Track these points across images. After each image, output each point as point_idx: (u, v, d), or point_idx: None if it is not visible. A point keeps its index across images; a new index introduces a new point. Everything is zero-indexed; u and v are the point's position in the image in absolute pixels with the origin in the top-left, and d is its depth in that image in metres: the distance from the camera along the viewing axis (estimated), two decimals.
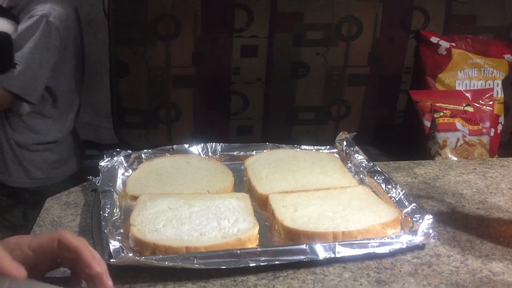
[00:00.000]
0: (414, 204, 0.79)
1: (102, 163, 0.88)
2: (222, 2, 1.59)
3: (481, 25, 1.75)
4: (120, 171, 0.88)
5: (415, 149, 1.66)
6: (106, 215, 0.72)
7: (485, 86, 1.71)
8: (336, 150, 1.02)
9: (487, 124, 1.62)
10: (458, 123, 1.55)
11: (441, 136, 1.55)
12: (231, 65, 1.64)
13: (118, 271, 0.63)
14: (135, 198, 0.80)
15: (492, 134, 1.65)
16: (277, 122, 1.74)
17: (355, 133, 1.02)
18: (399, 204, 0.80)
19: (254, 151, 0.99)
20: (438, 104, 1.62)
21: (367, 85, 1.75)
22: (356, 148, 1.00)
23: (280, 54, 1.66)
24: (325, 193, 0.84)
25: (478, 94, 1.66)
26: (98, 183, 0.82)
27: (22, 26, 1.42)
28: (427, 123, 1.61)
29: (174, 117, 1.67)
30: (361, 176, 0.93)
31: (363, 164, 0.94)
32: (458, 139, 1.53)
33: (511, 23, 1.76)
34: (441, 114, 1.58)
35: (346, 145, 1.01)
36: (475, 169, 1.01)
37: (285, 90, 1.71)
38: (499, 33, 1.76)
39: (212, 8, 1.58)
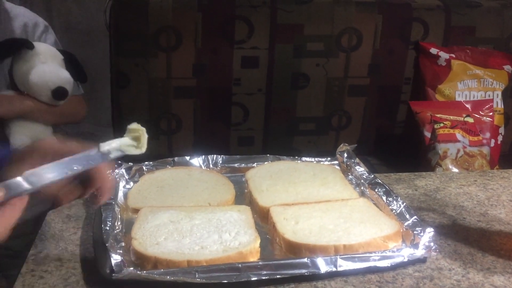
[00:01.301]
0: (415, 216, 0.79)
1: None
2: (222, 14, 1.60)
3: (480, 36, 1.75)
4: (122, 184, 0.89)
5: (416, 160, 1.66)
6: (108, 228, 0.72)
7: (485, 97, 1.71)
8: (337, 162, 1.02)
9: (487, 135, 1.62)
10: (458, 134, 1.55)
11: (441, 147, 1.55)
12: (231, 76, 1.65)
13: (119, 285, 0.63)
14: (136, 211, 0.81)
15: (492, 144, 1.65)
16: (278, 132, 1.75)
17: (356, 145, 1.02)
18: (400, 217, 0.81)
19: (255, 163, 0.99)
20: (438, 115, 1.62)
21: (367, 96, 1.75)
22: (357, 160, 1.00)
23: (281, 65, 1.66)
24: (326, 205, 0.84)
25: (478, 105, 1.66)
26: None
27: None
28: (428, 134, 1.61)
29: (175, 127, 1.67)
30: (362, 188, 0.93)
31: (364, 176, 0.95)
32: (458, 150, 1.53)
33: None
34: (441, 125, 1.59)
35: (347, 157, 1.01)
36: (475, 181, 1.01)
37: (286, 101, 1.71)
38: (498, 44, 1.77)
39: (213, 20, 1.59)
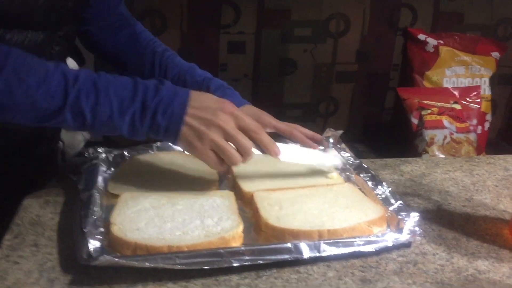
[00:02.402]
0: (400, 201, 0.78)
1: (84, 161, 0.86)
2: None
3: (468, 22, 1.75)
4: (102, 169, 0.86)
5: (403, 146, 1.66)
6: (87, 214, 0.70)
7: (473, 83, 1.71)
8: (323, 147, 1.01)
9: (474, 121, 1.62)
10: (446, 121, 1.55)
11: (428, 133, 1.55)
12: (218, 62, 1.63)
13: (97, 271, 0.61)
14: (117, 196, 0.79)
15: (479, 131, 1.65)
16: None
17: (342, 130, 1.00)
18: (386, 202, 0.80)
19: None
20: (425, 102, 1.62)
21: (355, 82, 1.74)
22: (343, 145, 0.99)
23: (268, 50, 1.65)
24: (311, 190, 0.83)
25: (466, 91, 1.66)
26: (79, 181, 0.80)
27: None
28: (415, 121, 1.61)
29: None
30: (347, 173, 0.92)
31: (350, 161, 0.93)
32: (445, 137, 1.53)
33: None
34: (429, 111, 1.59)
35: (332, 142, 1.00)
36: (461, 166, 1.00)
37: (273, 87, 1.70)
38: (486, 31, 1.77)
39: (199, 4, 1.57)
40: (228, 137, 0.73)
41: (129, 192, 0.79)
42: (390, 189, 0.82)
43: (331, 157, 0.91)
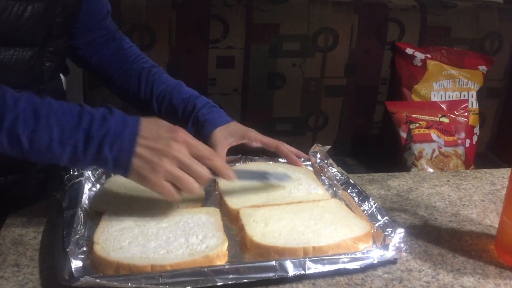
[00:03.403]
0: (386, 217, 0.78)
1: (68, 178, 0.85)
2: (197, 13, 1.58)
3: (455, 36, 1.77)
4: (87, 186, 0.86)
5: (392, 160, 1.67)
6: (70, 232, 0.70)
7: (460, 97, 1.73)
8: (310, 163, 1.01)
9: (462, 135, 1.63)
10: (434, 134, 1.56)
11: (417, 147, 1.55)
12: (207, 76, 1.63)
13: None
14: (101, 214, 0.78)
15: (467, 145, 1.66)
16: None
17: (329, 146, 1.01)
18: (372, 218, 0.79)
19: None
20: (414, 115, 1.63)
21: (344, 96, 1.75)
22: (330, 160, 0.99)
23: (257, 65, 1.65)
24: (297, 206, 0.83)
25: (453, 105, 1.67)
26: (63, 199, 0.79)
27: None
28: (403, 134, 1.62)
29: None
30: (334, 189, 0.92)
31: (337, 177, 0.93)
32: (433, 150, 1.53)
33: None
34: (417, 125, 1.59)
35: (320, 158, 1.00)
36: (448, 181, 1.00)
37: (262, 101, 1.70)
38: (473, 45, 1.78)
39: (187, 19, 1.57)
40: (182, 166, 0.71)
41: (113, 210, 0.78)
42: (376, 204, 0.82)
43: (286, 171, 0.91)
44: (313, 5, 1.65)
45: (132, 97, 1.07)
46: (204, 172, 0.73)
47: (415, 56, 1.71)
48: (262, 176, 0.87)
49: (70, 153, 0.69)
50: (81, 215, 0.76)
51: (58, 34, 0.91)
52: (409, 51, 1.71)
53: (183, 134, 0.74)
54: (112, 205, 0.81)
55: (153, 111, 1.06)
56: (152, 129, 0.72)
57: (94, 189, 0.87)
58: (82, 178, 0.86)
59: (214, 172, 0.76)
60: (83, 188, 0.84)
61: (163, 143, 0.71)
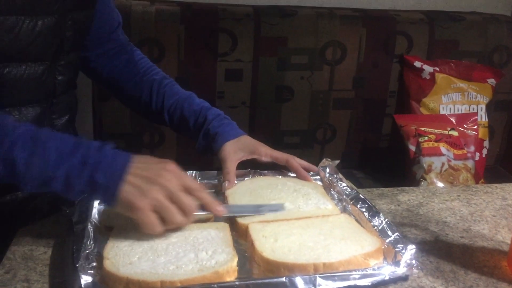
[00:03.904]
0: (397, 233, 0.77)
1: None
2: (205, 27, 1.59)
3: (464, 49, 1.76)
4: (97, 201, 0.86)
5: (401, 173, 1.66)
6: (79, 247, 0.70)
7: (469, 110, 1.72)
8: (319, 177, 1.00)
9: (472, 148, 1.62)
10: (443, 148, 1.55)
11: (426, 160, 1.54)
12: (215, 89, 1.63)
13: None
14: (111, 229, 0.78)
15: (477, 158, 1.65)
16: None
17: (339, 160, 1.00)
18: (382, 233, 0.79)
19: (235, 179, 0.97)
20: (422, 129, 1.62)
21: (352, 109, 1.75)
22: (340, 175, 0.98)
23: (265, 78, 1.65)
24: (307, 222, 0.82)
25: (463, 118, 1.67)
26: (72, 213, 0.79)
27: None
28: (412, 148, 1.61)
29: (157, 141, 1.65)
30: (344, 204, 0.91)
31: (347, 192, 0.93)
32: (443, 164, 1.52)
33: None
34: (426, 138, 1.58)
35: (329, 172, 0.99)
36: (459, 195, 1.00)
37: (270, 114, 1.70)
38: (482, 58, 1.78)
39: (196, 33, 1.58)
40: (170, 195, 0.72)
41: (122, 225, 0.78)
42: (387, 220, 0.81)
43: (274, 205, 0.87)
44: (321, 18, 1.65)
45: (144, 108, 1.07)
46: (191, 204, 0.74)
47: (424, 69, 1.71)
48: (255, 209, 0.84)
49: (64, 178, 0.70)
50: (91, 230, 0.76)
51: (69, 47, 0.92)
52: (418, 64, 1.71)
53: (173, 166, 0.75)
54: (121, 220, 0.80)
55: (164, 123, 1.06)
56: (144, 160, 0.74)
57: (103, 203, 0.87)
58: None
59: (202, 205, 0.77)
60: (93, 203, 0.84)
61: (154, 172, 0.72)
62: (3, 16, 0.77)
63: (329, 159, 1.01)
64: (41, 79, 0.87)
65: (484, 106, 1.74)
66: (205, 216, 0.82)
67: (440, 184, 1.51)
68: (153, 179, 0.72)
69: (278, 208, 0.86)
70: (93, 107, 1.62)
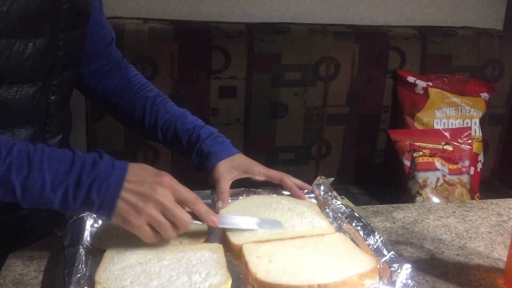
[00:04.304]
0: (392, 252, 0.77)
1: (70, 215, 0.84)
2: (199, 44, 1.59)
3: (456, 64, 1.77)
4: (89, 223, 0.85)
5: (397, 188, 1.65)
6: (71, 272, 0.69)
7: (463, 124, 1.72)
8: (314, 195, 1.00)
9: (467, 163, 1.62)
10: (438, 163, 1.55)
11: (421, 175, 1.54)
12: (209, 107, 1.63)
13: None
14: (103, 251, 0.77)
15: (472, 172, 1.65)
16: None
17: (333, 178, 1.00)
18: (377, 252, 0.78)
19: (229, 198, 0.96)
20: (417, 144, 1.62)
21: (346, 125, 1.75)
22: (334, 193, 0.98)
23: (259, 95, 1.66)
24: (301, 241, 0.82)
25: (457, 132, 1.67)
26: (64, 236, 0.78)
27: None
28: (407, 163, 1.61)
29: (152, 159, 1.64)
30: (339, 222, 0.91)
31: (341, 210, 0.92)
32: (438, 179, 1.52)
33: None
34: (420, 153, 1.58)
35: (323, 190, 0.99)
36: (454, 212, 0.99)
37: (264, 131, 1.70)
38: (474, 72, 1.79)
39: (189, 50, 1.58)
40: (165, 211, 0.73)
41: (115, 247, 0.77)
42: (382, 238, 0.80)
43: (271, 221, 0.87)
44: (314, 35, 1.66)
45: (137, 126, 1.07)
46: (186, 218, 0.74)
47: (417, 84, 1.71)
48: (253, 224, 0.84)
49: (61, 198, 0.70)
50: (83, 253, 0.75)
51: (62, 67, 0.92)
52: (411, 79, 1.72)
53: (168, 179, 0.75)
54: (114, 242, 0.80)
55: (158, 140, 1.06)
56: (139, 174, 0.74)
57: (96, 225, 0.86)
58: (84, 214, 0.85)
59: (198, 217, 0.77)
60: (85, 225, 0.83)
61: (148, 187, 0.73)
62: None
63: (323, 177, 1.00)
64: (33, 99, 0.87)
65: (477, 120, 1.74)
66: (201, 226, 0.82)
67: (435, 199, 1.50)
68: (148, 195, 0.72)
69: (277, 225, 0.85)
70: (86, 125, 1.61)
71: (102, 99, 1.08)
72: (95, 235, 0.82)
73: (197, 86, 1.61)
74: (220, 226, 0.81)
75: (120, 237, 0.81)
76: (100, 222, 0.87)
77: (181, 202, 0.75)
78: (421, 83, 1.71)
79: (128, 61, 1.14)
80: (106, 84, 1.06)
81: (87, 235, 0.81)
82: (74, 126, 1.07)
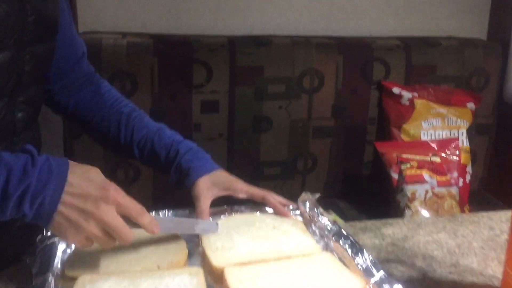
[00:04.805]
0: (382, 271, 0.73)
1: (41, 239, 0.79)
2: (179, 58, 1.55)
3: (441, 74, 1.76)
4: (61, 248, 0.79)
5: (385, 202, 1.62)
6: None
7: (450, 135, 1.70)
8: (299, 212, 0.96)
9: (455, 174, 1.59)
10: (426, 175, 1.52)
11: (409, 188, 1.51)
12: (191, 122, 1.59)
13: None
14: (74, 279, 0.72)
15: (461, 184, 1.62)
16: (241, 178, 1.68)
17: (319, 194, 0.96)
18: (367, 273, 0.74)
19: (210, 218, 0.92)
20: (404, 156, 1.59)
21: (332, 137, 1.72)
22: (321, 209, 0.94)
23: (242, 108, 1.62)
24: (287, 262, 0.77)
25: (444, 144, 1.64)
26: (33, 264, 0.73)
27: None
28: (395, 175, 1.58)
29: (132, 177, 1.59)
30: (326, 240, 0.87)
31: (328, 227, 0.88)
32: (426, 191, 1.49)
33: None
34: (408, 165, 1.55)
35: (309, 207, 0.95)
36: (445, 227, 0.96)
37: (249, 145, 1.66)
38: (460, 82, 1.77)
39: (170, 64, 1.54)
40: (107, 228, 0.69)
41: (87, 275, 0.72)
42: (371, 257, 0.76)
43: (209, 223, 0.86)
44: (296, 46, 1.63)
45: (112, 143, 1.02)
46: (128, 235, 0.70)
47: (402, 95, 1.69)
48: (189, 226, 0.83)
49: None
50: (52, 282, 0.70)
51: (29, 82, 0.87)
52: (396, 90, 1.69)
53: (114, 192, 0.69)
54: (87, 269, 0.74)
55: (135, 157, 1.01)
56: (81, 185, 0.68)
57: (68, 250, 0.81)
58: (55, 239, 0.80)
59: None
60: (56, 250, 0.77)
61: (91, 204, 0.67)
62: None
63: (308, 193, 0.96)
64: None
65: (464, 131, 1.72)
66: (180, 246, 0.81)
67: (425, 213, 1.47)
68: (91, 213, 0.67)
69: (212, 227, 0.84)
70: (64, 143, 1.56)
71: (75, 116, 1.03)
72: (66, 262, 0.77)
73: (179, 100, 1.57)
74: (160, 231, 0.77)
75: (93, 264, 0.76)
76: (73, 247, 0.82)
77: (125, 216, 0.70)
78: (406, 94, 1.69)
79: (106, 76, 1.10)
80: (78, 100, 1.01)
81: (57, 262, 0.76)
82: (52, 144, 1.02)
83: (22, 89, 0.86)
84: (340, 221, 1.00)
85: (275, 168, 1.70)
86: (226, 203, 0.96)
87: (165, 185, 1.58)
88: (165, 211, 0.92)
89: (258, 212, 0.96)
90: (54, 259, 0.75)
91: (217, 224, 0.85)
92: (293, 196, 1.00)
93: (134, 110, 1.03)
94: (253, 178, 1.68)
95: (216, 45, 1.58)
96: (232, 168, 1.68)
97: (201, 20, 1.72)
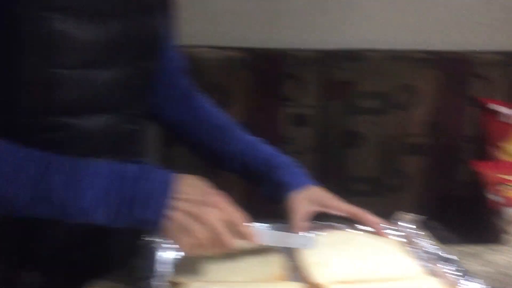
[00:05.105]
0: None
1: (145, 243, 0.81)
2: (271, 72, 1.57)
3: None
4: (164, 254, 0.81)
5: (481, 225, 1.53)
6: None
7: None
8: (398, 233, 0.92)
9: None
10: None
11: (510, 211, 1.42)
12: (281, 135, 1.60)
13: None
14: (178, 285, 0.73)
15: None
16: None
17: (416, 215, 0.92)
18: None
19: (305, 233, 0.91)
20: (504, 176, 1.50)
21: (425, 155, 1.66)
22: (421, 231, 0.90)
23: (332, 123, 1.61)
24: (389, 285, 0.75)
25: None
26: (138, 268, 0.75)
27: None
28: (493, 197, 1.49)
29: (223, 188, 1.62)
30: (426, 263, 0.83)
31: (431, 251, 0.84)
32: None
33: None
34: (508, 187, 1.46)
35: (410, 228, 0.92)
36: None
37: (338, 160, 1.64)
38: None
39: (261, 79, 1.57)
40: (213, 236, 0.70)
41: (194, 282, 0.74)
42: (484, 286, 0.72)
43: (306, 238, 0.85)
44: (391, 61, 1.60)
45: (208, 155, 1.04)
46: (231, 243, 0.72)
47: (503, 113, 1.60)
48: (285, 240, 0.83)
49: (103, 216, 0.69)
50: (157, 287, 0.72)
51: (137, 96, 0.91)
52: (496, 107, 1.61)
53: (218, 198, 0.72)
54: (192, 276, 0.76)
55: (228, 169, 1.02)
56: (187, 191, 0.71)
57: (171, 256, 0.83)
58: (158, 244, 0.82)
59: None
60: (160, 256, 0.80)
61: (197, 208, 0.70)
62: (80, 69, 0.77)
63: (409, 214, 0.93)
64: (106, 130, 0.86)
65: None
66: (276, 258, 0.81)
67: None
68: (196, 216, 0.70)
69: (309, 242, 0.83)
70: (161, 153, 1.62)
71: (171, 128, 1.07)
72: (172, 268, 0.79)
73: (269, 114, 1.59)
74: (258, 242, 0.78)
75: (200, 271, 0.78)
76: (177, 253, 0.84)
77: (228, 224, 0.72)
78: (508, 111, 1.59)
79: (201, 89, 1.13)
80: (175, 113, 1.05)
81: (162, 267, 0.78)
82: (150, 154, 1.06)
83: (130, 103, 0.90)
84: (437, 243, 0.95)
85: (364, 184, 1.67)
86: (319, 219, 0.95)
87: (256, 199, 1.60)
88: (264, 225, 0.92)
89: (353, 230, 0.94)
90: (158, 264, 0.77)
91: (313, 239, 0.84)
92: (383, 214, 0.97)
93: (231, 124, 1.05)
94: (340, 193, 1.66)
95: (308, 60, 1.58)
96: (319, 182, 1.67)
97: (297, 34, 1.72)
